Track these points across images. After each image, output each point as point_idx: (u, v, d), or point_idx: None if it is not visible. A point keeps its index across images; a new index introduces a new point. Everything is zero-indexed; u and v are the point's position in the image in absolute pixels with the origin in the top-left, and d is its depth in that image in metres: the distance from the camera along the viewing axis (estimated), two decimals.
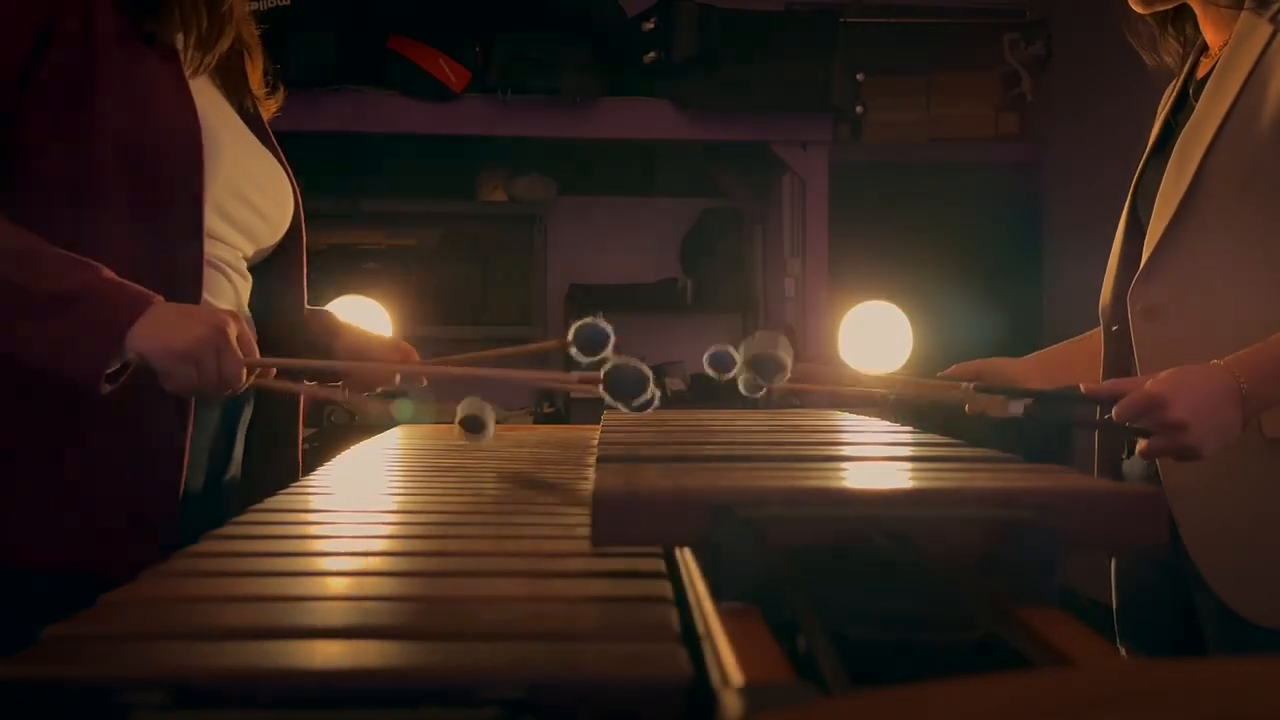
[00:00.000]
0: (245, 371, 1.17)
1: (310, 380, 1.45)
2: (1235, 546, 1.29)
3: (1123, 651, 1.46)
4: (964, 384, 1.37)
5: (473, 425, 1.22)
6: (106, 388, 1.13)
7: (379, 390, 1.46)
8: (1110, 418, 1.23)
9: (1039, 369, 1.54)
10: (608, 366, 1.12)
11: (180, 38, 1.27)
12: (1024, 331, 3.97)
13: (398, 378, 1.42)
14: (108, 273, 1.14)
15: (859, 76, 3.89)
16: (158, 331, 1.12)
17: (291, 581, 0.77)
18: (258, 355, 1.21)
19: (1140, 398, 1.19)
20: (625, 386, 1.10)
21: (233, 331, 1.15)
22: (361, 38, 3.47)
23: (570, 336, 1.42)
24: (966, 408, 1.69)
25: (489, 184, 3.97)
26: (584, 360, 1.43)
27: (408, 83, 3.48)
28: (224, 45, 1.32)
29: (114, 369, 1.13)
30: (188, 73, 1.27)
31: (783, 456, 1.04)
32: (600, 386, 1.13)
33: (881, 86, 4.00)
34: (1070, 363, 1.53)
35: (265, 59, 1.44)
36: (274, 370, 1.29)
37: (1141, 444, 1.22)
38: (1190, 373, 1.19)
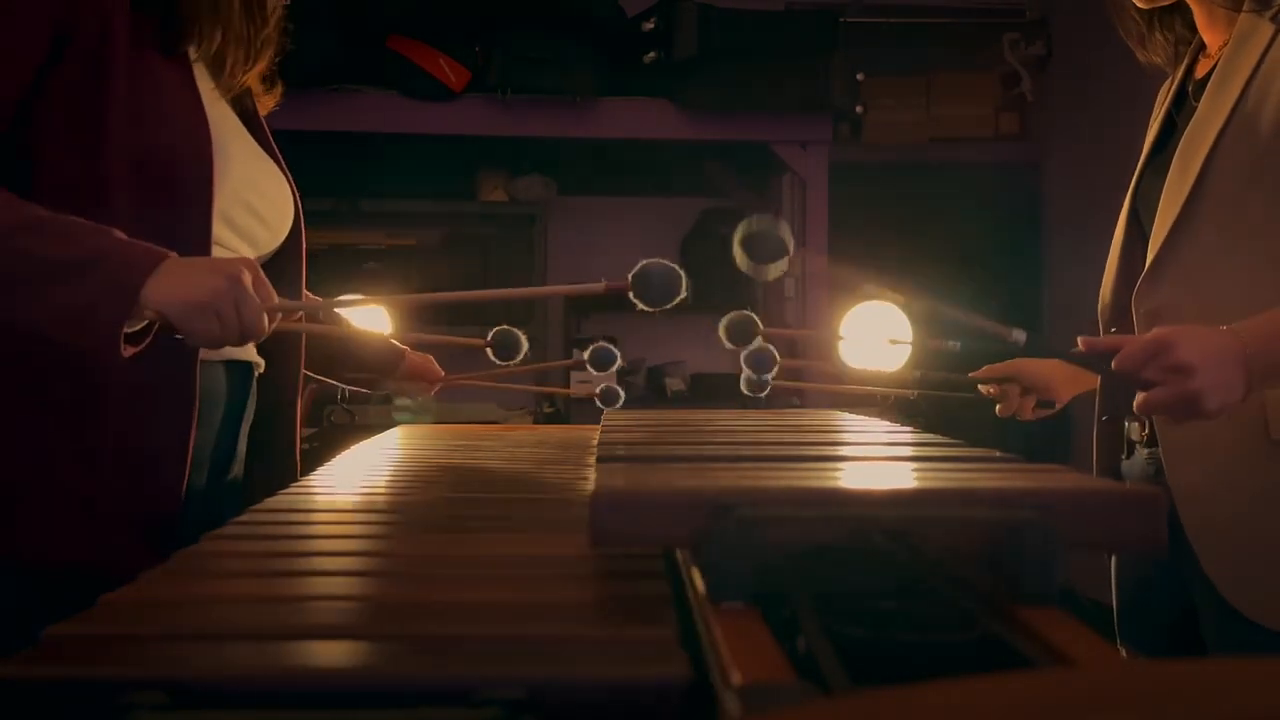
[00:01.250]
0: (266, 317, 1.15)
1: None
2: (1242, 549, 1.29)
3: (1123, 651, 1.46)
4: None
5: (505, 345, 1.19)
6: (129, 350, 1.10)
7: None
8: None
9: (1071, 369, 1.53)
10: (636, 270, 1.11)
11: (193, 49, 1.28)
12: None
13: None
14: (119, 234, 1.12)
15: (859, 76, 3.90)
16: (174, 285, 1.10)
17: (291, 581, 0.77)
18: (276, 300, 1.19)
19: (1145, 341, 1.16)
20: (654, 289, 1.08)
21: (248, 279, 1.13)
22: (361, 38, 3.46)
23: (586, 355, 1.56)
24: (999, 409, 1.69)
25: (489, 184, 3.97)
26: (596, 374, 1.60)
27: (408, 83, 3.48)
28: (266, 55, 1.36)
29: (135, 329, 1.11)
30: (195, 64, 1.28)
31: (783, 456, 1.04)
32: (631, 293, 1.14)
33: (881, 86, 3.99)
34: None
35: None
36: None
37: (1141, 396, 1.18)
38: (1195, 326, 1.18)
